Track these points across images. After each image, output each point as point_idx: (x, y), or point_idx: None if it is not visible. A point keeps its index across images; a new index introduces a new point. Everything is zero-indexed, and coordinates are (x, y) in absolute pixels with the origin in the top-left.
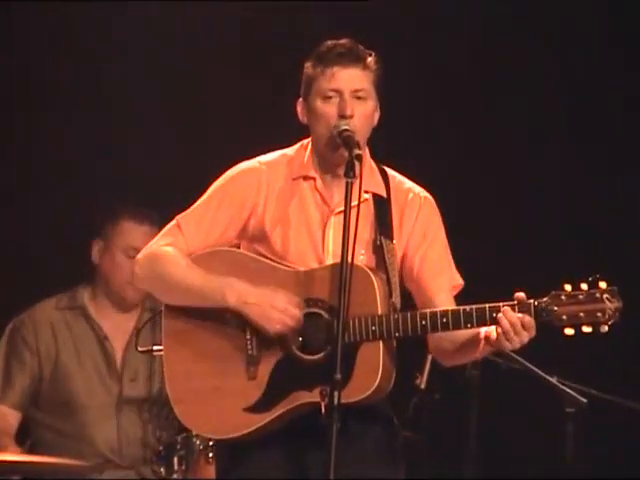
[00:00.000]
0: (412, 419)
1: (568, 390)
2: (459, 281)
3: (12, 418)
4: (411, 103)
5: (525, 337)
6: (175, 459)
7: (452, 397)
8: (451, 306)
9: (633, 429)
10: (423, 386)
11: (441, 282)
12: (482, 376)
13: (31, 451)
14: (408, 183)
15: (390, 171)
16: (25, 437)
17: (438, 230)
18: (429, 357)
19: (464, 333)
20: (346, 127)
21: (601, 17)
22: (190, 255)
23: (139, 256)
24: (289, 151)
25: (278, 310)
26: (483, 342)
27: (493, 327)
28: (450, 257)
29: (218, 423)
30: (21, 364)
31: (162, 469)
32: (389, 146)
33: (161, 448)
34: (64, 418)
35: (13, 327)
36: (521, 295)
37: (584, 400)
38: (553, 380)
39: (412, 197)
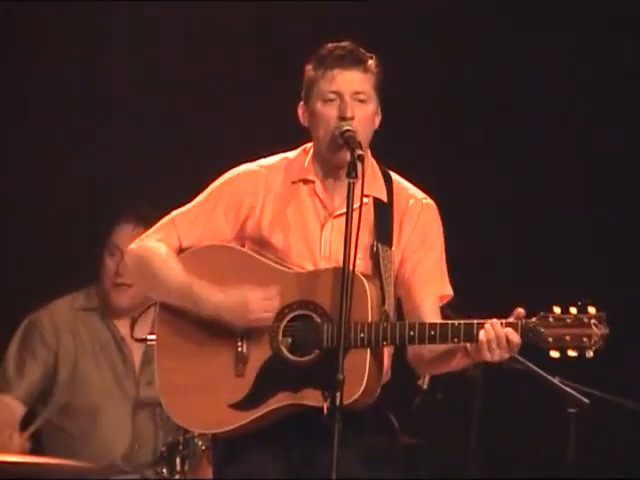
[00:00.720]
0: (414, 419)
1: (570, 390)
2: (448, 291)
3: (17, 410)
4: (410, 103)
5: (506, 353)
6: (177, 459)
7: (454, 397)
8: (435, 315)
9: (635, 429)
10: (425, 386)
11: (430, 290)
12: (484, 376)
13: (40, 452)
14: (412, 189)
15: (395, 176)
16: (36, 439)
17: (437, 238)
18: None
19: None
20: (348, 127)
21: (601, 17)
22: (184, 250)
23: (131, 246)
24: (290, 154)
25: (255, 307)
26: (461, 353)
27: None
28: (444, 267)
29: (203, 417)
30: (35, 359)
31: (164, 469)
32: (388, 147)
33: (163, 449)
34: (79, 420)
35: (29, 322)
36: (521, 311)
37: (586, 400)
38: (555, 380)
39: (413, 203)
